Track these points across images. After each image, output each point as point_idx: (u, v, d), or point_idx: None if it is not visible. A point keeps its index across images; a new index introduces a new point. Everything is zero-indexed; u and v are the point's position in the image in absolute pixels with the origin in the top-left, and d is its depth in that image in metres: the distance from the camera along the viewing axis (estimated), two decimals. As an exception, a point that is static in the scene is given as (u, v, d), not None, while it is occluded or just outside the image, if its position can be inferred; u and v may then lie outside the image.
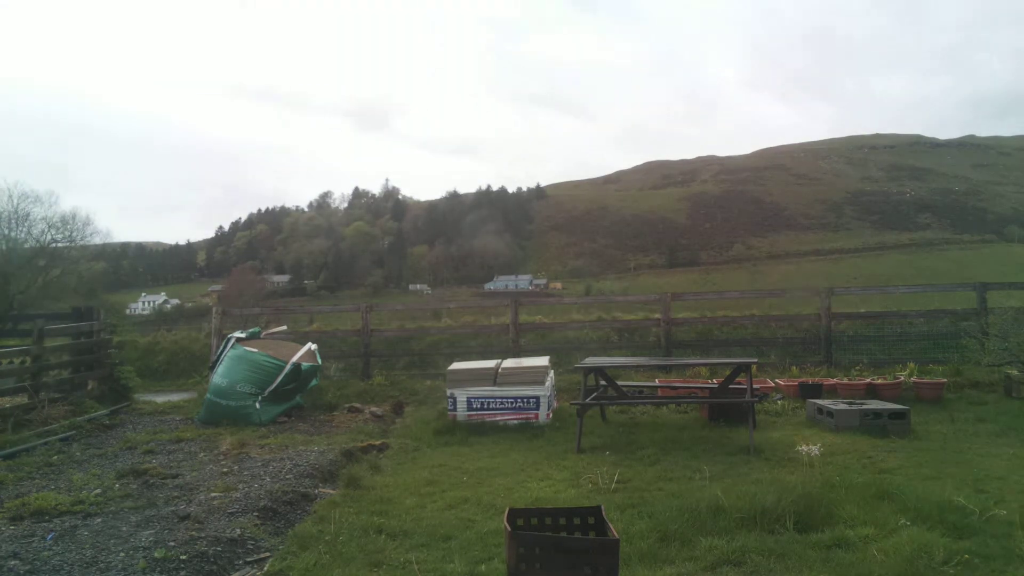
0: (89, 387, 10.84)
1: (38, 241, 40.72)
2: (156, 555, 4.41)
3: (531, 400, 8.64)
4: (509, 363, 9.32)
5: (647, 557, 4.20)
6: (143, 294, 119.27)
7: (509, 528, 3.57)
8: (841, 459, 6.43)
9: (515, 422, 8.58)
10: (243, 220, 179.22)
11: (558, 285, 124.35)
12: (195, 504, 5.51)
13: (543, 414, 8.62)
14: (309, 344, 10.78)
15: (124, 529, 5.00)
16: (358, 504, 5.52)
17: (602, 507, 3.85)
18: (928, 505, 4.71)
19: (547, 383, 8.89)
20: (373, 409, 9.80)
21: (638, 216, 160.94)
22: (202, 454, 7.48)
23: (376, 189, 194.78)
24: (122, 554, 4.49)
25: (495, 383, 8.78)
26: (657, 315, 12.89)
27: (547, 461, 6.79)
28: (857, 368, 11.08)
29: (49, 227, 41.01)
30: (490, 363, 9.33)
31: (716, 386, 8.91)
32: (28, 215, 40.12)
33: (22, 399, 9.42)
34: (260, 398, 9.34)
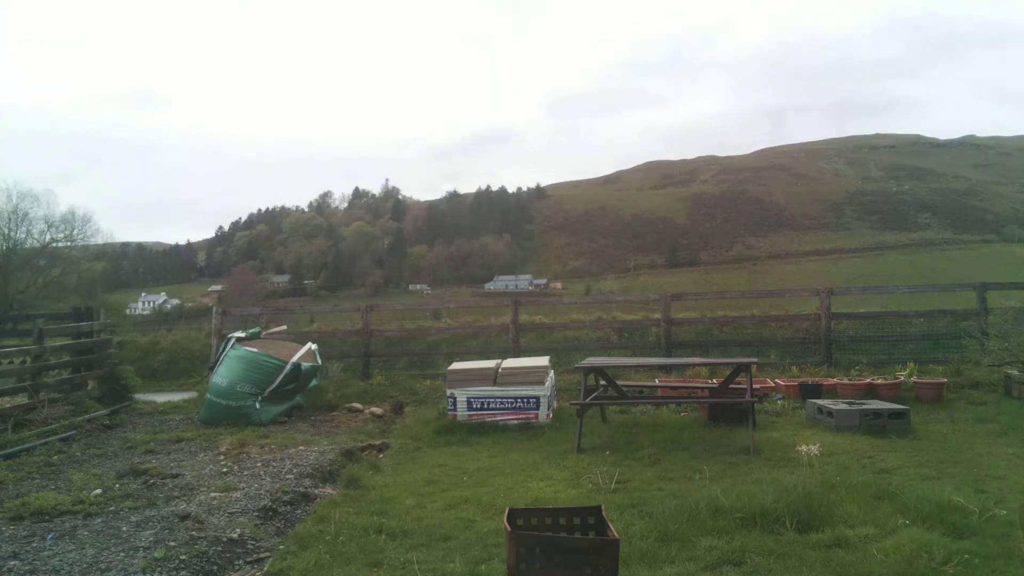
0: (89, 387, 10.85)
1: (38, 241, 40.78)
2: (156, 555, 4.41)
3: (531, 400, 8.64)
4: (509, 363, 9.31)
5: (647, 557, 4.20)
6: (143, 294, 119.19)
7: (509, 528, 3.57)
8: (841, 459, 6.42)
9: (515, 422, 8.58)
10: (243, 220, 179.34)
11: (558, 285, 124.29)
12: (195, 504, 5.51)
13: (543, 414, 8.62)
14: (309, 344, 10.78)
15: (124, 529, 5.00)
16: (358, 504, 5.52)
17: (602, 507, 3.85)
18: (928, 505, 4.71)
19: (547, 383, 8.89)
20: (373, 409, 9.80)
21: (638, 216, 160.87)
22: (202, 454, 7.48)
23: (376, 189, 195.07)
24: (122, 554, 4.49)
25: (495, 383, 8.77)
26: (657, 315, 12.89)
27: (547, 461, 6.80)
28: (857, 368, 11.07)
29: (49, 227, 41.09)
30: (490, 363, 9.33)
31: (716, 386, 8.90)
32: (28, 215, 40.17)
33: (22, 399, 9.43)
34: (260, 398, 9.34)
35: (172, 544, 4.60)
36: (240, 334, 10.44)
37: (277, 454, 7.30)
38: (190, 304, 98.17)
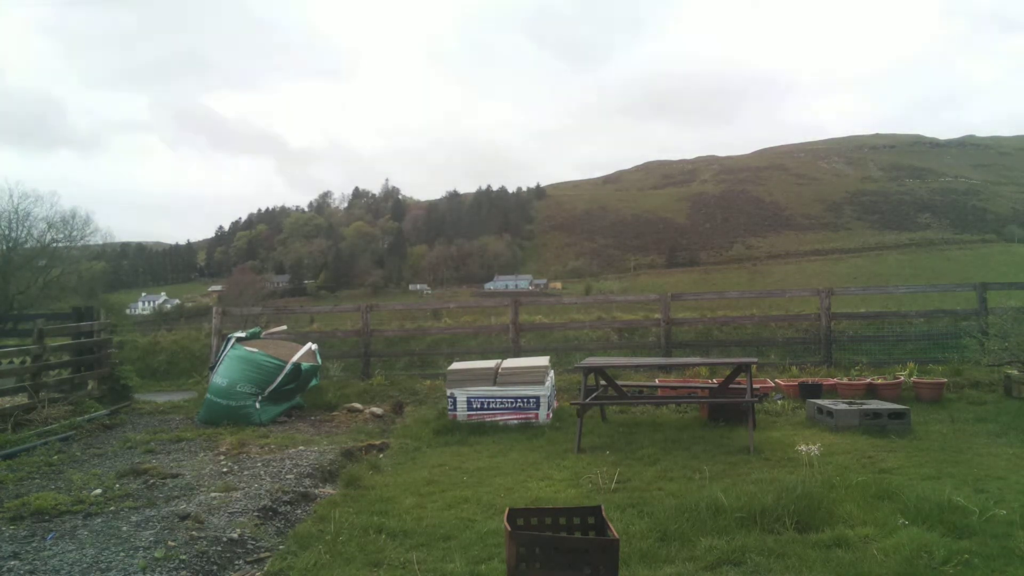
0: (89, 387, 10.84)
1: (38, 241, 40.78)
2: (156, 555, 4.41)
3: (531, 400, 8.64)
4: (509, 363, 9.31)
5: (647, 557, 4.20)
6: (143, 294, 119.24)
7: (509, 528, 3.57)
8: (841, 459, 6.42)
9: (515, 422, 8.57)
10: (243, 220, 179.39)
11: (558, 285, 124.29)
12: (195, 504, 5.51)
13: (543, 414, 8.62)
14: (309, 344, 10.78)
15: (124, 529, 5.00)
16: (358, 504, 5.52)
17: (602, 507, 3.85)
18: (928, 505, 4.71)
19: (547, 383, 8.89)
20: (373, 409, 9.80)
21: (638, 216, 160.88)
22: (202, 454, 7.48)
23: (376, 189, 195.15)
24: (122, 554, 4.49)
25: (495, 383, 8.77)
26: (657, 315, 12.89)
27: (547, 461, 6.79)
28: (857, 368, 11.07)
29: (49, 227, 41.10)
30: (490, 363, 9.33)
31: (716, 386, 8.91)
32: (28, 215, 40.18)
33: (22, 399, 9.42)
34: (260, 398, 9.34)
35: (172, 544, 4.60)
36: (240, 334, 10.45)
37: (277, 454, 7.30)
38: (190, 304, 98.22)
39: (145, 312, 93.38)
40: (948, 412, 8.42)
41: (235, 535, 4.79)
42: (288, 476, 6.40)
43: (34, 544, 4.76)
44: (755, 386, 8.32)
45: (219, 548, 4.57)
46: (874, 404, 8.03)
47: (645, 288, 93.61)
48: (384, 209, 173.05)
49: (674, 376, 11.23)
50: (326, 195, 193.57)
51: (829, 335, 12.01)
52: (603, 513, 3.80)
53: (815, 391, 9.38)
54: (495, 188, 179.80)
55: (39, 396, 9.41)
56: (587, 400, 7.84)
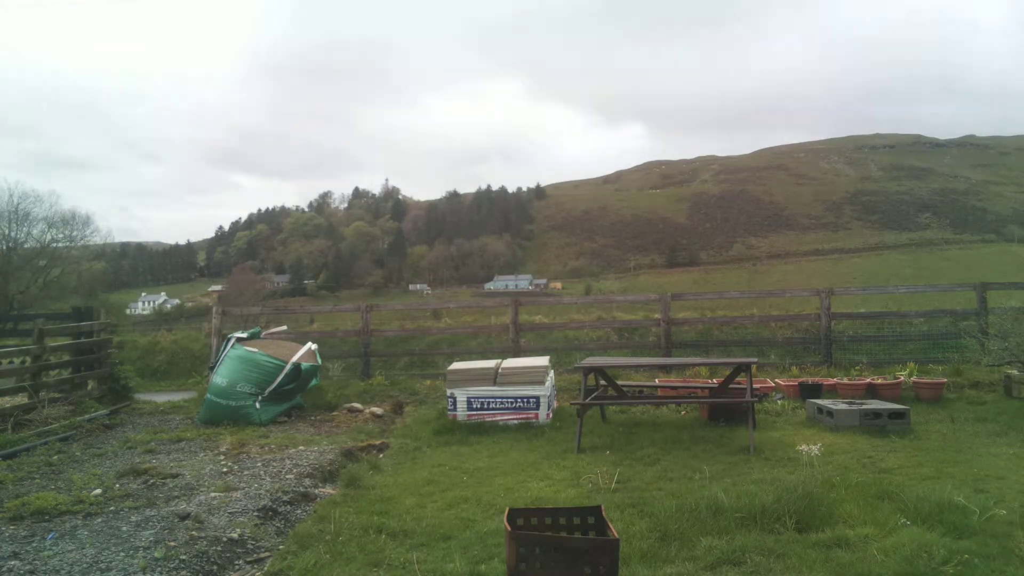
0: (89, 387, 10.84)
1: (38, 241, 40.83)
2: (156, 555, 4.41)
3: (531, 400, 8.64)
4: (509, 363, 9.31)
5: (647, 557, 4.20)
6: (143, 294, 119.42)
7: (509, 528, 3.57)
8: (841, 459, 6.42)
9: (515, 422, 8.57)
10: (243, 220, 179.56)
11: (558, 285, 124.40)
12: (195, 504, 5.51)
13: (543, 414, 8.62)
14: (309, 344, 10.78)
15: (124, 529, 5.00)
16: (358, 504, 5.52)
17: (602, 507, 3.85)
18: (928, 505, 4.71)
19: (547, 383, 8.89)
20: (373, 409, 9.80)
21: (638, 216, 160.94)
22: (202, 454, 7.48)
23: (376, 189, 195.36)
24: (122, 554, 4.49)
25: (495, 383, 8.77)
26: (657, 315, 12.89)
27: (547, 461, 6.79)
28: (857, 368, 11.07)
29: (49, 227, 41.17)
30: (490, 363, 9.33)
31: (716, 386, 8.90)
32: (28, 215, 40.24)
33: (22, 399, 9.42)
34: (260, 398, 9.34)
35: (172, 544, 4.60)
36: (240, 334, 10.44)
37: (277, 454, 7.30)
38: (190, 304, 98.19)
39: (145, 312, 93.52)
40: (948, 412, 8.42)
41: (235, 535, 4.79)
42: (288, 476, 6.40)
43: (34, 544, 4.75)
44: (755, 386, 8.32)
45: (219, 548, 4.57)
46: (874, 404, 8.03)
47: (645, 288, 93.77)
48: (384, 209, 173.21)
49: (674, 376, 11.23)
50: (326, 195, 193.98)
51: (829, 335, 12.01)
52: (603, 513, 3.80)
53: (815, 391, 9.37)
54: (495, 188, 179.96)
55: (39, 396, 9.41)
56: (587, 400, 7.83)
